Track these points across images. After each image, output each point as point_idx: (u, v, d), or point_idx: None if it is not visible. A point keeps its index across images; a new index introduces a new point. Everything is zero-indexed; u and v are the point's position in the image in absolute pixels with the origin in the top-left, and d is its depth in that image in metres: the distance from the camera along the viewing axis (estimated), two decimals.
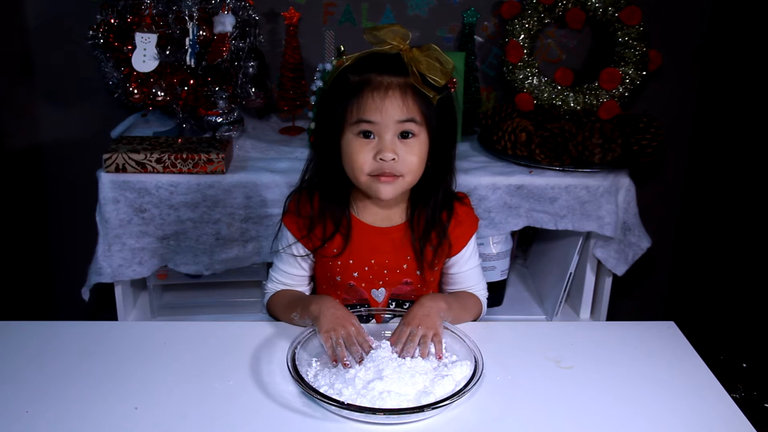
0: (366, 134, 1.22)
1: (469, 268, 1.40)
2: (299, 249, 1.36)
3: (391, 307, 1.37)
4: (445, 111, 1.26)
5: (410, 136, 1.23)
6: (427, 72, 1.20)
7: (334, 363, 1.14)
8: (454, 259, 1.38)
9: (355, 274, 1.34)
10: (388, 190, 1.25)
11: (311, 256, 1.36)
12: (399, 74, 1.21)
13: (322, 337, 1.17)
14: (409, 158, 1.23)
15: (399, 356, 1.16)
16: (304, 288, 1.41)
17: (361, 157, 1.23)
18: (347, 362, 1.13)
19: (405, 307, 1.36)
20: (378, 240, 1.33)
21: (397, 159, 1.22)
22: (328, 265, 1.35)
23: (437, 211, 1.33)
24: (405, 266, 1.35)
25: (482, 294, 1.43)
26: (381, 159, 1.21)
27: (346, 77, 1.23)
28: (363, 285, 1.35)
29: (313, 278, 1.42)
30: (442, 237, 1.33)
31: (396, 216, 1.34)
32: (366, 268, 1.34)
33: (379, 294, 1.36)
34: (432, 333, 1.18)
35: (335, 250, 1.33)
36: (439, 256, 1.35)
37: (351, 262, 1.33)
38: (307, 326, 1.22)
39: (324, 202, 1.32)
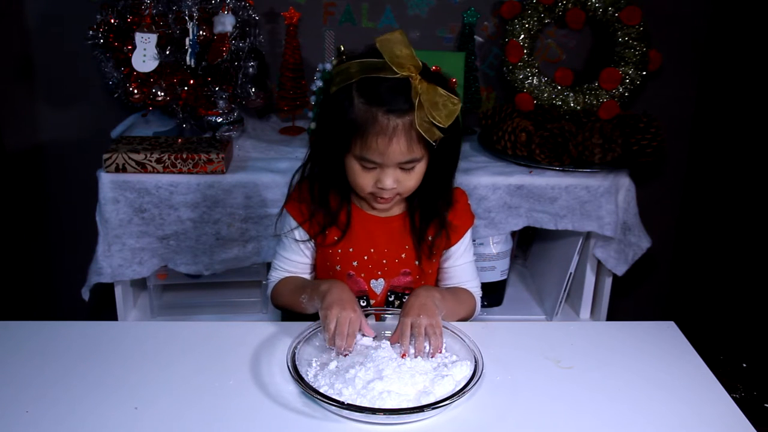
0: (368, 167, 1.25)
1: (463, 263, 1.42)
2: (301, 234, 1.37)
3: (390, 299, 1.38)
4: (448, 137, 1.25)
5: (411, 170, 1.25)
6: (434, 114, 1.18)
7: (329, 345, 1.17)
8: (449, 251, 1.40)
9: (355, 263, 1.35)
10: (385, 206, 1.32)
11: (312, 243, 1.37)
12: (405, 113, 1.20)
13: (320, 313, 1.19)
14: (408, 183, 1.27)
15: (407, 354, 1.16)
16: (307, 276, 1.42)
17: (362, 181, 1.26)
18: (345, 353, 1.15)
19: (404, 301, 1.37)
20: (377, 229, 1.35)
21: (397, 186, 1.26)
22: (328, 253, 1.36)
23: (435, 203, 1.34)
24: (403, 255, 1.36)
25: (476, 291, 1.44)
26: (381, 188, 1.25)
27: (352, 97, 1.22)
28: (362, 275, 1.36)
29: (314, 267, 1.42)
30: (440, 226, 1.35)
31: (395, 206, 1.36)
32: (365, 257, 1.35)
33: (378, 285, 1.37)
34: (433, 322, 1.19)
35: (335, 238, 1.34)
36: (437, 246, 1.36)
37: (351, 250, 1.35)
38: (315, 308, 1.24)
39: (325, 190, 1.33)
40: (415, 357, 1.16)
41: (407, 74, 1.19)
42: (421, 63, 1.21)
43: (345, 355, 1.16)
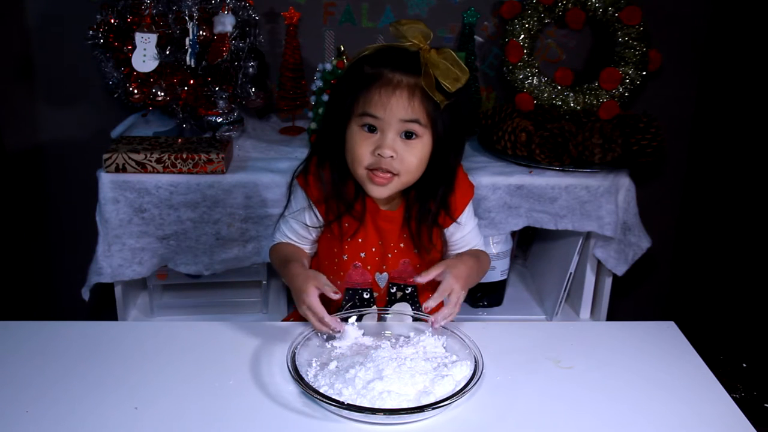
0: (370, 128, 1.23)
1: (468, 231, 1.41)
2: (314, 212, 1.35)
3: (392, 290, 1.38)
4: (452, 117, 1.25)
5: (413, 137, 1.23)
6: (440, 76, 1.20)
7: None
8: (452, 227, 1.39)
9: (362, 254, 1.35)
10: (381, 191, 1.26)
11: (320, 229, 1.37)
12: (411, 73, 1.21)
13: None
14: (408, 158, 1.23)
15: (433, 320, 1.21)
16: (308, 248, 1.41)
17: (361, 150, 1.24)
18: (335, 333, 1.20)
19: (407, 292, 1.38)
20: (385, 222, 1.35)
21: (396, 157, 1.22)
22: (337, 241, 1.35)
23: (434, 206, 1.33)
24: (402, 245, 1.36)
25: (483, 248, 1.46)
26: (379, 155, 1.22)
27: (362, 67, 1.24)
28: (369, 267, 1.36)
29: (316, 243, 1.42)
30: (432, 225, 1.34)
31: (396, 198, 1.35)
32: (373, 249, 1.35)
33: (382, 278, 1.37)
34: (463, 295, 1.24)
35: (346, 230, 1.33)
36: (433, 241, 1.36)
37: (360, 240, 1.34)
38: None
39: (340, 181, 1.31)
40: (433, 325, 1.21)
41: (418, 44, 1.21)
42: (431, 33, 1.23)
43: (336, 331, 1.20)
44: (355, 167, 1.26)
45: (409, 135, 1.23)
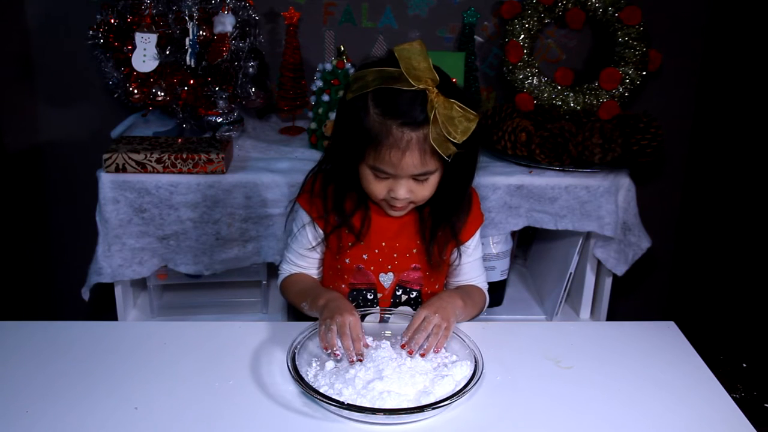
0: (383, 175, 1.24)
1: (472, 260, 1.43)
2: (313, 231, 1.37)
3: (398, 293, 1.38)
4: (465, 146, 1.23)
5: (426, 179, 1.25)
6: (449, 125, 1.17)
7: (324, 349, 1.16)
8: (459, 249, 1.39)
9: (365, 257, 1.36)
10: (398, 213, 1.32)
11: (324, 245, 1.37)
12: (419, 126, 1.18)
13: (319, 322, 1.19)
14: (422, 193, 1.27)
15: (406, 344, 1.17)
16: (316, 271, 1.42)
17: (375, 189, 1.26)
18: (337, 352, 1.15)
19: (412, 296, 1.39)
20: (390, 224, 1.35)
21: (410, 195, 1.25)
22: (338, 247, 1.35)
23: (448, 210, 1.34)
24: (414, 250, 1.36)
25: (484, 285, 1.45)
26: (393, 197, 1.25)
27: (367, 107, 1.20)
28: (372, 268, 1.36)
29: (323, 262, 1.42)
30: (450, 231, 1.35)
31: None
32: (376, 251, 1.35)
33: (387, 279, 1.37)
34: (444, 325, 1.19)
35: (349, 243, 1.34)
36: (446, 247, 1.37)
37: (361, 243, 1.35)
38: (316, 316, 1.24)
39: (343, 190, 1.32)
40: (409, 352, 1.17)
41: (424, 87, 1.17)
42: (438, 76, 1.18)
43: (351, 362, 1.14)
44: (371, 197, 1.29)
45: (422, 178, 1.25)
